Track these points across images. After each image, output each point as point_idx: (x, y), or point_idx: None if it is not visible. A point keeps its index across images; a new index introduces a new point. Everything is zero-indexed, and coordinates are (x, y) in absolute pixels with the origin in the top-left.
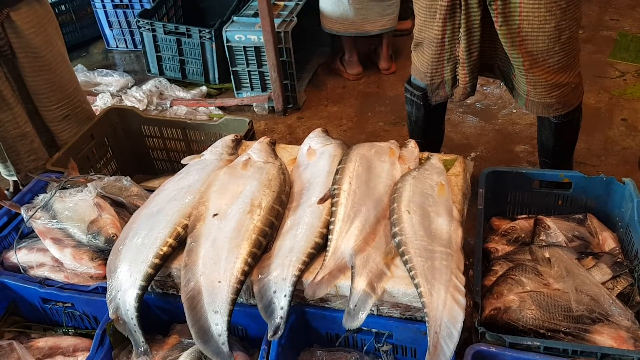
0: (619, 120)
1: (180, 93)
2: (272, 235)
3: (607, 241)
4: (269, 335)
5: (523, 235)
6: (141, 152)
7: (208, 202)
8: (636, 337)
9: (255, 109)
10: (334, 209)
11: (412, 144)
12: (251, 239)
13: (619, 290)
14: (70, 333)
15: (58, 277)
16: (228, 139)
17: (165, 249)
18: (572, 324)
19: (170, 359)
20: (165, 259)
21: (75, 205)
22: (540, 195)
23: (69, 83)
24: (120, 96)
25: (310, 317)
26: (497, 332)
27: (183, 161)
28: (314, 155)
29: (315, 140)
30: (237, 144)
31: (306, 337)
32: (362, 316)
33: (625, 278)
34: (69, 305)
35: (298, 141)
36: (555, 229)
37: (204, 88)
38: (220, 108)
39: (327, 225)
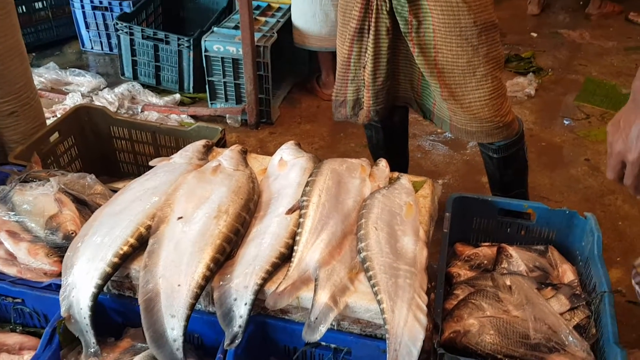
0: (582, 160)
1: (153, 99)
2: (236, 242)
3: (567, 274)
4: (225, 344)
5: (486, 262)
6: (108, 154)
7: (174, 204)
8: None
9: (228, 121)
10: (301, 220)
11: (383, 163)
12: (215, 244)
13: (575, 322)
14: (17, 330)
15: (10, 271)
16: (199, 144)
17: (125, 248)
18: (529, 351)
19: None
20: (125, 259)
21: (35, 199)
22: (504, 224)
23: (18, 78)
24: (91, 97)
25: (269, 328)
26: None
27: (151, 163)
28: (285, 166)
29: (287, 152)
30: (208, 149)
31: (263, 350)
32: (323, 329)
33: (582, 310)
34: (19, 301)
35: (268, 155)
36: (517, 258)
37: (177, 96)
38: (193, 117)
39: (293, 236)
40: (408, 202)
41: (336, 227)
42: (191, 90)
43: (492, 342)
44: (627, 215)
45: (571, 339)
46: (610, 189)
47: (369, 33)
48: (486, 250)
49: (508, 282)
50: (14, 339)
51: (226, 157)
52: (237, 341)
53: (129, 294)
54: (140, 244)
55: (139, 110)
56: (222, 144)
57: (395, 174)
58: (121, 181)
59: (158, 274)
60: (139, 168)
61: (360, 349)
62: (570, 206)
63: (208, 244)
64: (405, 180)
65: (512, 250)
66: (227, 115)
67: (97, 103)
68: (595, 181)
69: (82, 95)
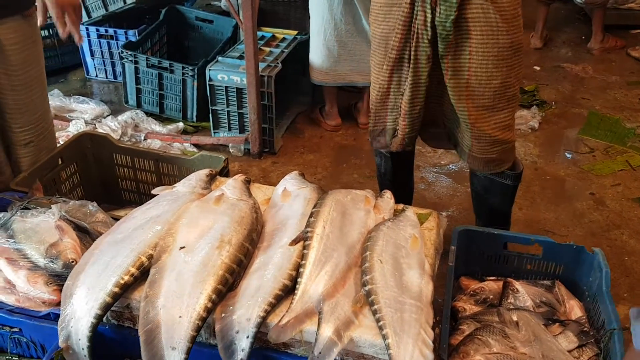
0: (587, 194)
1: (156, 127)
2: (239, 274)
3: (574, 310)
4: None
5: (491, 296)
6: (110, 181)
7: (176, 234)
8: None
9: (231, 150)
10: (305, 251)
11: (388, 195)
12: (217, 275)
13: None
14: None
15: (9, 299)
16: (202, 173)
17: (126, 278)
18: None
19: None
20: (126, 289)
21: (36, 227)
22: (510, 258)
23: (38, 107)
24: (95, 124)
25: None
26: None
27: (154, 191)
28: (289, 197)
29: (291, 182)
30: (211, 178)
31: None
32: None
33: (591, 348)
34: (17, 330)
35: (271, 186)
36: (524, 293)
37: (180, 124)
38: (196, 145)
39: (297, 268)
40: (413, 234)
41: (340, 259)
42: (194, 119)
43: None
44: (633, 251)
45: None
46: (616, 224)
47: (409, 62)
48: (492, 285)
49: (515, 318)
50: None
51: (229, 186)
52: None
53: (129, 324)
54: (141, 274)
55: (142, 138)
56: (226, 173)
57: (400, 206)
58: (123, 209)
59: (159, 305)
60: (141, 196)
61: None
62: (575, 240)
63: (210, 274)
64: (410, 212)
65: (518, 285)
66: (230, 145)
67: (100, 130)
68: (600, 215)
69: (86, 122)
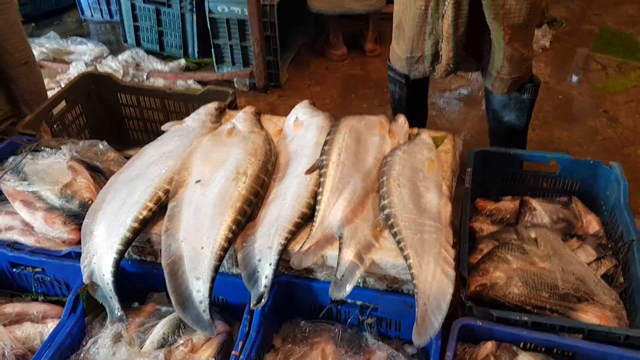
0: (600, 112)
1: (158, 65)
2: (256, 204)
3: (592, 224)
4: (252, 304)
5: (508, 216)
6: (116, 122)
7: (191, 168)
8: (620, 316)
9: (236, 85)
10: (321, 179)
11: (402, 119)
12: (235, 206)
13: (603, 272)
14: (39, 299)
15: (28, 240)
16: (211, 106)
17: (145, 213)
18: (558, 301)
19: (147, 326)
20: (145, 224)
21: (48, 168)
22: (525, 177)
23: (22, 28)
24: (95, 65)
25: (295, 287)
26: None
27: (163, 127)
28: (301, 126)
29: (302, 112)
30: (220, 112)
31: (289, 309)
32: (349, 287)
33: (609, 260)
34: (39, 270)
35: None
36: (541, 211)
37: (182, 61)
38: (200, 82)
39: (315, 196)
40: (429, 157)
41: (357, 185)
42: (196, 55)
43: (520, 293)
44: None
45: (599, 288)
46: (629, 140)
47: None
48: (508, 204)
49: (533, 235)
50: (36, 307)
51: (240, 119)
52: (263, 301)
53: (151, 258)
54: (159, 209)
55: (145, 78)
56: (234, 106)
57: (415, 130)
58: (132, 149)
59: (180, 238)
60: (149, 135)
61: (387, 305)
62: (590, 157)
63: (228, 206)
64: (425, 135)
65: (535, 202)
66: (235, 80)
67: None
68: (614, 132)
69: (85, 64)
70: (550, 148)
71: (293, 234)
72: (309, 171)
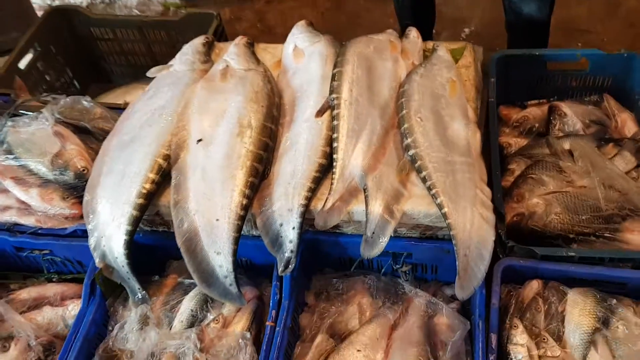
0: None
1: None
2: (268, 159)
3: (627, 123)
4: (279, 271)
5: (537, 125)
6: (94, 59)
7: (189, 125)
8: None
9: None
10: (335, 122)
11: (413, 34)
12: (246, 166)
13: None
14: (54, 279)
15: (28, 221)
16: (198, 42)
17: (148, 186)
18: (603, 225)
19: (172, 303)
20: (151, 198)
21: (33, 137)
22: (553, 77)
23: None
24: None
25: (321, 243)
26: (522, 239)
27: (149, 73)
28: (302, 56)
29: (300, 38)
30: (209, 48)
31: (318, 262)
32: (382, 244)
33: None
34: (47, 252)
35: (271, 29)
36: (572, 116)
37: None
38: None
39: (330, 142)
40: (450, 78)
41: (375, 124)
42: None
43: (561, 221)
44: None
45: None
46: None
47: None
48: (535, 111)
49: (567, 147)
50: (52, 289)
51: (232, 55)
52: (291, 267)
53: (163, 229)
54: (162, 178)
55: None
56: (221, 31)
57: (431, 44)
58: (118, 89)
59: (191, 210)
60: (133, 69)
61: (421, 253)
62: (614, 37)
63: (238, 167)
64: (442, 51)
65: (565, 107)
66: None
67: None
68: (637, 1)
69: None
70: (570, 29)
71: (313, 191)
72: (320, 113)
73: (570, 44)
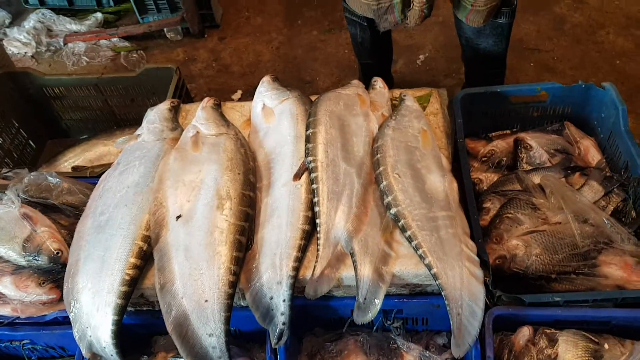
0: None
1: (72, 26)
2: (250, 229)
3: (590, 150)
4: (273, 343)
5: (505, 158)
6: (50, 117)
7: (165, 201)
8: None
9: (168, 35)
10: (314, 186)
11: (379, 84)
12: (229, 240)
13: (612, 208)
14: None
15: (4, 310)
16: (164, 108)
17: (131, 272)
18: (581, 261)
19: None
20: (134, 284)
21: (0, 221)
22: (514, 111)
23: None
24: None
25: (312, 308)
26: (504, 281)
27: (116, 145)
28: (272, 115)
29: (268, 96)
30: (175, 112)
31: (307, 325)
32: (375, 309)
33: (617, 193)
34: (27, 341)
35: (227, 68)
36: (537, 148)
37: (98, 15)
38: (126, 38)
39: (311, 207)
40: (421, 128)
41: (354, 184)
42: (112, 3)
43: (542, 262)
44: (622, 51)
45: (615, 232)
46: (599, 23)
47: None
48: (502, 144)
49: (537, 181)
50: None
51: (201, 120)
52: (284, 338)
53: (148, 307)
54: (145, 261)
55: (62, 44)
56: (182, 85)
57: (397, 93)
58: (77, 146)
59: (179, 294)
60: (92, 123)
61: (411, 308)
62: (562, 52)
63: (221, 243)
64: (410, 100)
65: (530, 139)
66: (166, 29)
67: (10, 48)
68: (581, 16)
69: None
70: (520, 47)
71: (300, 261)
72: (297, 176)
73: (522, 64)
